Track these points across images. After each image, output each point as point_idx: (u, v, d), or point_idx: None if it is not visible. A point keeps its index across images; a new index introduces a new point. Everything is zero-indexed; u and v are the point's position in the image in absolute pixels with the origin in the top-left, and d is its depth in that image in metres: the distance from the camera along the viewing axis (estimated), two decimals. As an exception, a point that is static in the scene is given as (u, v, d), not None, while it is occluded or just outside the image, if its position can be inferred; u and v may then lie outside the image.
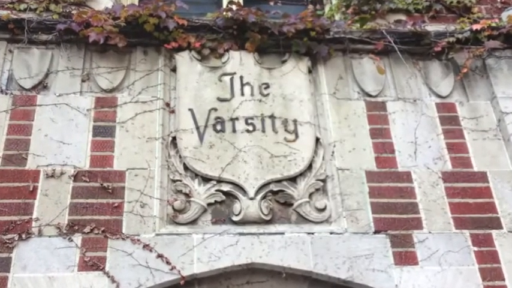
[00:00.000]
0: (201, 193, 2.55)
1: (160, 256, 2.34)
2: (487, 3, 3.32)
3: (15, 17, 2.80)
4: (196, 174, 2.59)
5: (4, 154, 2.51)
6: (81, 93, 2.73)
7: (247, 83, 2.84)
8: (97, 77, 2.77)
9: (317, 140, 2.72)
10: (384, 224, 2.51)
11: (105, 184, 2.48)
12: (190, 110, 2.72)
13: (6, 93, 2.68)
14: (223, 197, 2.56)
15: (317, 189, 2.62)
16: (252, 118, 2.73)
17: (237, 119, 2.72)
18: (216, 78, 2.84)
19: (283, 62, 2.94)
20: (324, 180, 2.64)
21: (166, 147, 2.65)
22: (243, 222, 2.49)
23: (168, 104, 2.77)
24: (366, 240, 2.45)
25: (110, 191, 2.47)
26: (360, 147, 2.71)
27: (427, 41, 2.97)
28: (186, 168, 2.60)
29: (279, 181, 2.60)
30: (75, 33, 2.76)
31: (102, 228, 2.38)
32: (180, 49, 2.87)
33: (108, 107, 2.70)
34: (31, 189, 2.44)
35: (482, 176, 2.67)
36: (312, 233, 2.47)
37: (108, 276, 2.28)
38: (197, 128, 2.68)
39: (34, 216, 2.39)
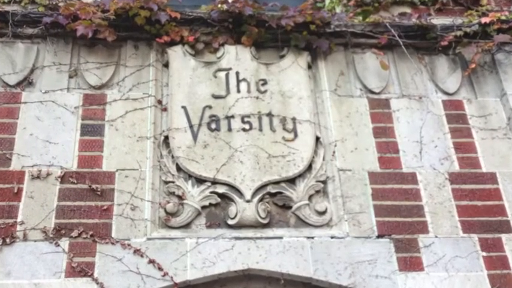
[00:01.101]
0: (195, 195, 2.51)
1: (151, 262, 2.30)
2: (496, -5, 3.37)
3: (-2, 9, 2.82)
4: (189, 176, 2.56)
5: (-13, 154, 2.51)
6: (69, 90, 2.69)
7: (244, 79, 2.80)
8: (85, 72, 2.74)
9: (317, 139, 2.69)
10: (387, 228, 2.48)
11: (93, 186, 2.44)
12: (184, 107, 2.69)
13: (-10, 90, 2.69)
14: (218, 200, 2.52)
15: (317, 191, 2.58)
16: (248, 116, 2.69)
17: (232, 117, 2.68)
18: (211, 74, 2.81)
19: (282, 57, 2.91)
20: (324, 182, 2.60)
21: (158, 146, 2.61)
22: (239, 226, 2.45)
23: (160, 101, 2.74)
24: (368, 245, 2.42)
25: (99, 193, 2.44)
26: (363, 146, 2.67)
27: (433, 34, 2.93)
28: (179, 169, 2.57)
29: (277, 183, 2.56)
30: (62, 27, 2.73)
31: (91, 232, 2.35)
32: (172, 43, 2.84)
33: (97, 105, 2.66)
34: (15, 191, 2.40)
35: (491, 177, 2.63)
36: (312, 237, 2.43)
37: (97, 283, 2.25)
38: (191, 126, 2.64)
39: (19, 219, 2.35)
